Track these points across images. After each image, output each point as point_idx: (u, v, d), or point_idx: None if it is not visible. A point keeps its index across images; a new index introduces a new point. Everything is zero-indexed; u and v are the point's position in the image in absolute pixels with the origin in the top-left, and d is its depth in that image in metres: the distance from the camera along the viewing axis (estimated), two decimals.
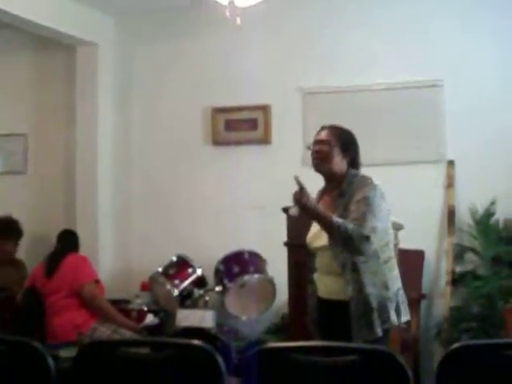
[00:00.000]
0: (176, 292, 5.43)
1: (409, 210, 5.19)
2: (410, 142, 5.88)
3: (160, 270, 5.56)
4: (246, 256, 5.51)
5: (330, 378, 2.56)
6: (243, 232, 5.89)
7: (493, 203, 5.54)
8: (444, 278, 5.64)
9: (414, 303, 5.16)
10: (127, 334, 5.18)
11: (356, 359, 2.51)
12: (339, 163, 3.72)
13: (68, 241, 5.62)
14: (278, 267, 5.07)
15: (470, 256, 5.63)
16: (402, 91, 5.88)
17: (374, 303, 3.53)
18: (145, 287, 5.93)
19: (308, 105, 6.11)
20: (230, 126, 6.32)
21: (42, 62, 6.82)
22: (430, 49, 5.82)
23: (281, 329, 5.69)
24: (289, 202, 4.14)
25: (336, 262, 3.62)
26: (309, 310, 3.91)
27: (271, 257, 5.46)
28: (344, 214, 3.57)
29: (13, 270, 6.01)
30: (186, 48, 6.43)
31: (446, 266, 5.65)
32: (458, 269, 5.63)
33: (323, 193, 3.84)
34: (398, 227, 4.33)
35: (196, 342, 2.63)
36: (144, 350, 2.77)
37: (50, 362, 2.78)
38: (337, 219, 3.52)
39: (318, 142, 3.76)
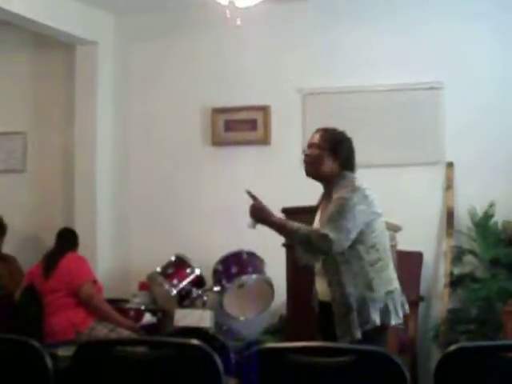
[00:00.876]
0: (174, 292, 5.42)
1: (407, 212, 5.20)
2: (409, 143, 5.88)
3: (158, 269, 5.56)
4: (245, 256, 5.51)
5: (329, 379, 2.56)
6: (242, 232, 5.86)
7: (492, 205, 5.55)
8: (442, 280, 5.64)
9: (413, 305, 5.14)
10: (125, 333, 5.18)
11: (354, 360, 2.51)
12: (329, 166, 3.73)
13: (67, 239, 5.62)
14: (276, 268, 5.07)
15: (468, 258, 5.63)
16: (401, 93, 5.89)
17: (354, 304, 3.55)
18: (143, 287, 5.93)
19: (307, 106, 6.11)
20: (229, 126, 6.31)
21: (42, 61, 6.81)
22: (429, 51, 5.82)
23: (279, 329, 5.69)
24: (287, 202, 4.17)
25: (321, 264, 3.67)
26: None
27: (269, 257, 5.46)
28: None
29: (1, 264, 6.01)
30: (186, 48, 6.43)
31: (444, 268, 5.66)
32: (457, 271, 5.63)
33: (322, 197, 3.86)
34: (395, 229, 4.33)
35: (194, 341, 2.62)
36: (142, 349, 2.77)
37: (48, 360, 2.77)
38: (294, 224, 3.60)
39: (309, 145, 3.81)
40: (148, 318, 5.55)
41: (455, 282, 5.57)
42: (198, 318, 5.06)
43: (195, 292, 5.45)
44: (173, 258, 5.63)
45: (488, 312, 5.35)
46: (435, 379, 2.51)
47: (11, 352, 2.84)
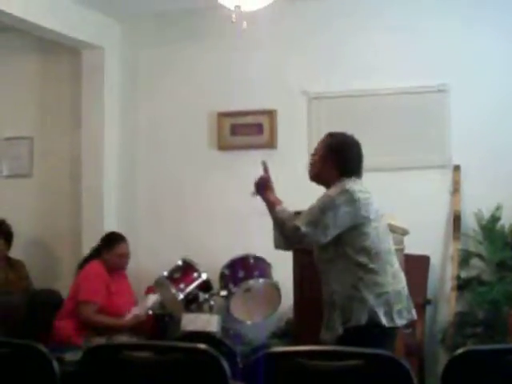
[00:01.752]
0: (181, 296, 5.41)
1: (414, 215, 5.18)
2: (415, 147, 5.87)
3: (165, 273, 5.55)
4: (252, 260, 5.50)
5: (335, 383, 2.56)
6: (249, 236, 5.88)
7: (498, 208, 5.54)
8: (449, 284, 5.63)
9: (420, 308, 5.14)
10: (123, 340, 5.16)
11: (361, 364, 2.51)
12: (329, 171, 3.76)
13: (99, 245, 5.61)
14: (283, 272, 5.05)
15: (475, 261, 5.62)
16: (407, 96, 5.88)
17: (339, 301, 3.61)
18: (150, 291, 5.93)
19: (313, 109, 6.11)
20: (235, 130, 6.32)
21: (48, 66, 6.83)
22: (436, 53, 5.82)
23: (286, 333, 5.68)
24: (293, 206, 4.15)
25: (316, 263, 3.79)
26: None
27: (276, 261, 5.44)
28: None
29: (8, 269, 6.01)
30: (192, 52, 6.43)
31: (451, 271, 5.64)
32: (464, 274, 5.61)
33: None
34: (403, 232, 4.33)
35: (201, 346, 2.63)
36: (149, 354, 2.76)
37: (55, 365, 2.78)
38: (281, 208, 3.73)
39: (314, 150, 3.90)
40: (152, 299, 5.51)
41: (462, 286, 5.56)
42: (204, 322, 5.05)
43: (202, 296, 5.44)
44: (180, 263, 5.63)
45: (495, 315, 5.34)
46: (442, 382, 2.51)
47: (19, 356, 2.84)
